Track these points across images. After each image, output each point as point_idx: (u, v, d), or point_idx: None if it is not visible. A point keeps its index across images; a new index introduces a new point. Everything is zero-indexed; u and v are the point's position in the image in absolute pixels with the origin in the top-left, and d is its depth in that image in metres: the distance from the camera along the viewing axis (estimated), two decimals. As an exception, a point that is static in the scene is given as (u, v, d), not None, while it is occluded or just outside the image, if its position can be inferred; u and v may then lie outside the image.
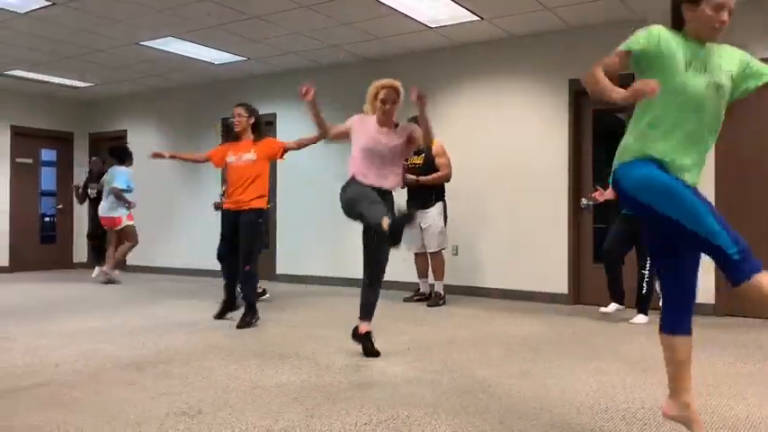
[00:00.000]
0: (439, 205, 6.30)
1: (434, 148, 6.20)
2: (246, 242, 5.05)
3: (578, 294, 6.55)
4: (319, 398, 3.05)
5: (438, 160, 6.27)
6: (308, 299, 6.83)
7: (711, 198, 5.82)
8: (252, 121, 5.27)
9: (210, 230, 9.20)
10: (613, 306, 5.49)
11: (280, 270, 8.48)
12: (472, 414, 2.81)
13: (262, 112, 8.78)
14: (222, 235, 5.27)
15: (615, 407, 2.93)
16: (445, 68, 7.38)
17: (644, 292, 5.29)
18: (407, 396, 3.10)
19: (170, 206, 9.67)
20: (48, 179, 10.70)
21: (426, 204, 6.21)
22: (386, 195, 3.96)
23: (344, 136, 4.16)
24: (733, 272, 2.11)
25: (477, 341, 4.53)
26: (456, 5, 5.92)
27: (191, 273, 9.16)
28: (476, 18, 6.26)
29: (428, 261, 6.44)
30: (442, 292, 6.36)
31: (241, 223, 5.06)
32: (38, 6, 6.04)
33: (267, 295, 6.57)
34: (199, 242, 9.22)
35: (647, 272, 5.25)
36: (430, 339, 4.56)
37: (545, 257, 6.64)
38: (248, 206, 5.06)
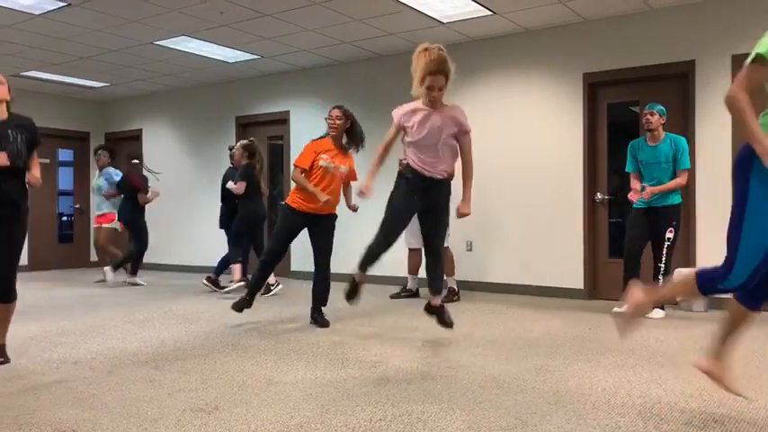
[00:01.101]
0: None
1: None
2: (329, 244, 5.06)
3: (594, 289, 6.51)
4: (334, 394, 3.07)
5: None
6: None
7: (728, 195, 5.78)
8: (348, 125, 5.06)
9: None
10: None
11: (294, 267, 8.51)
12: (487, 410, 2.81)
13: (275, 109, 8.93)
14: (285, 233, 5.01)
15: (631, 402, 2.92)
16: (458, 63, 7.29)
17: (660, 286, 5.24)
18: (422, 392, 3.10)
19: (187, 203, 9.73)
20: (65, 179, 10.81)
21: None
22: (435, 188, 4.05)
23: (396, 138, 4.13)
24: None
25: (491, 337, 4.52)
26: (469, 0, 5.89)
27: (208, 270, 9.21)
28: (488, 13, 6.23)
29: (422, 258, 6.33)
30: (456, 288, 6.35)
31: (324, 226, 5.02)
32: (53, 8, 6.10)
33: (280, 286, 6.86)
34: (216, 239, 9.28)
35: (663, 265, 5.23)
36: (444, 335, 4.56)
37: (560, 252, 6.61)
38: (329, 211, 5.03)
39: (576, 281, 6.53)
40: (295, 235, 5.02)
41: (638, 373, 3.45)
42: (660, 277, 5.25)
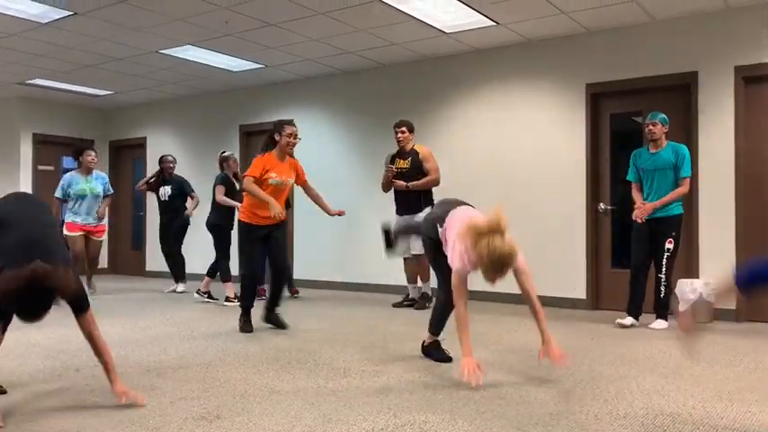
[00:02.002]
0: (428, 210, 6.09)
1: (422, 153, 6.30)
2: (285, 249, 5.39)
3: (597, 299, 6.50)
4: (336, 403, 3.06)
5: (426, 165, 6.29)
6: (325, 304, 6.84)
7: (731, 206, 5.77)
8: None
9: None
10: (630, 320, 5.38)
11: (297, 275, 8.51)
12: (489, 420, 2.80)
13: (279, 117, 8.90)
14: (254, 246, 5.19)
15: (634, 413, 2.91)
16: (462, 74, 7.38)
17: (662, 296, 5.24)
18: (424, 402, 3.09)
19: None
20: (68, 186, 10.81)
21: (417, 209, 6.18)
22: None
23: None
24: None
25: (494, 346, 4.51)
26: (472, 11, 5.92)
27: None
28: (492, 23, 6.26)
29: (418, 266, 6.43)
30: (430, 293, 6.36)
31: (279, 234, 5.25)
32: (59, 17, 6.14)
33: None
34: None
35: (663, 275, 5.22)
36: (447, 344, 4.55)
37: (563, 262, 6.60)
38: (281, 220, 5.16)
39: (579, 291, 6.53)
40: (260, 244, 5.16)
41: (641, 384, 3.44)
42: (662, 288, 5.24)
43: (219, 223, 6.81)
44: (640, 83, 6.25)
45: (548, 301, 6.56)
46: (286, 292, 6.53)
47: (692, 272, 5.90)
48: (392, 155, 6.49)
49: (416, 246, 6.12)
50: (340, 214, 5.38)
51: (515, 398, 3.16)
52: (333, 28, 6.46)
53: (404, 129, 6.35)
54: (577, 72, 6.59)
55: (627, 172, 5.57)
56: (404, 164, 6.32)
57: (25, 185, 9.98)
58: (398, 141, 6.38)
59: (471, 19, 6.16)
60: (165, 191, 7.94)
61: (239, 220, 5.16)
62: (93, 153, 7.44)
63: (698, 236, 5.92)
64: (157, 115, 10.30)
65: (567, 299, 6.54)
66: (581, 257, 6.53)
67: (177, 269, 7.99)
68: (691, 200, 6.01)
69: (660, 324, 5.23)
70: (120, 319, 5.75)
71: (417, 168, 6.28)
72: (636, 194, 5.44)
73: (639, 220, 5.30)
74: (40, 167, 10.21)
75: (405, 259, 6.51)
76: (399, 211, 6.38)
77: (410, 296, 6.62)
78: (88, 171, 7.39)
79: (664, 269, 5.21)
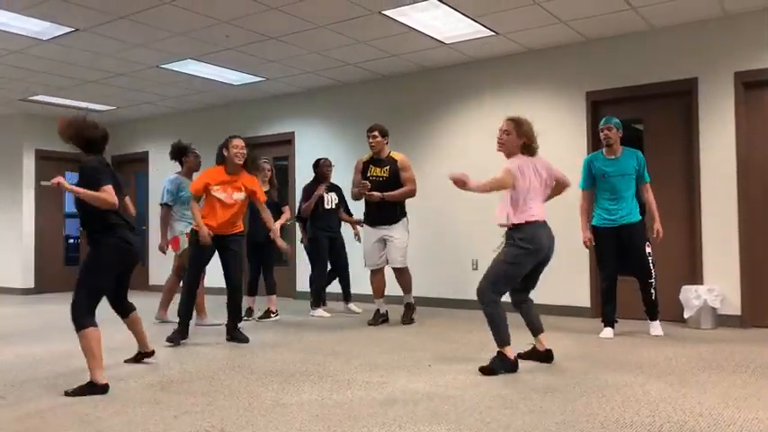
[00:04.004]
0: (404, 220, 6.04)
1: (401, 162, 5.97)
2: (239, 261, 5.35)
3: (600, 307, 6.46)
4: (341, 415, 3.05)
5: (405, 174, 5.95)
6: (328, 316, 6.81)
7: (733, 212, 5.76)
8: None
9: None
10: (611, 331, 5.27)
11: (300, 287, 8.50)
12: (495, 430, 2.79)
13: (280, 130, 8.99)
14: (201, 257, 5.19)
15: (640, 421, 2.89)
16: (462, 84, 7.41)
17: (654, 298, 5.23)
18: (429, 413, 3.08)
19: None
20: (71, 202, 10.84)
21: (392, 220, 5.94)
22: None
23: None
24: None
25: (498, 356, 4.49)
26: (471, 21, 5.95)
27: (214, 291, 9.22)
28: (491, 33, 6.29)
29: (385, 279, 6.11)
30: (413, 302, 6.19)
31: (232, 245, 5.27)
32: (61, 33, 6.18)
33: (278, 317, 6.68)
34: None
35: (653, 279, 5.19)
36: (452, 355, 4.54)
37: (566, 270, 6.58)
38: (235, 231, 5.30)
39: (583, 299, 6.51)
40: (210, 258, 5.18)
41: (647, 391, 3.43)
42: (653, 291, 5.20)
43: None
44: (640, 90, 6.26)
45: (551, 310, 6.57)
46: (338, 303, 6.55)
47: (696, 278, 5.89)
48: (365, 161, 6.09)
49: (397, 259, 5.95)
50: (281, 248, 5.37)
51: (521, 407, 3.14)
52: (333, 40, 6.49)
53: (376, 133, 5.97)
54: (578, 81, 6.61)
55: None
56: (381, 172, 5.95)
57: (27, 201, 10.02)
58: (371, 147, 6.01)
59: (471, 29, 6.19)
60: (331, 198, 6.92)
61: (193, 230, 5.13)
62: (197, 152, 6.47)
63: (701, 242, 5.91)
64: (159, 129, 10.33)
65: (570, 307, 6.52)
66: (584, 265, 6.51)
67: (347, 286, 7.14)
68: (693, 206, 6.01)
69: (658, 329, 5.25)
70: (123, 332, 5.74)
71: (396, 177, 5.93)
72: (582, 214, 5.42)
73: (587, 246, 5.41)
74: (43, 183, 10.23)
75: (373, 272, 6.08)
76: (370, 222, 6.02)
77: (381, 311, 6.14)
78: (190, 174, 6.37)
79: (653, 273, 5.17)
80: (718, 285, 5.70)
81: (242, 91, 8.62)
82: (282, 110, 8.92)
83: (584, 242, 5.39)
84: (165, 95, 8.91)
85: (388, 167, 5.96)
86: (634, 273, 5.25)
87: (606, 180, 5.26)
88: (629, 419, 2.92)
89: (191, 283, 5.12)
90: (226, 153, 5.17)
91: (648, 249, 5.18)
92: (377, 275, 6.08)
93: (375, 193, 5.88)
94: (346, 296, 7.10)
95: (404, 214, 6.05)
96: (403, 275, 6.07)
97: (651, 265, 5.17)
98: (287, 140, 8.86)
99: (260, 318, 6.59)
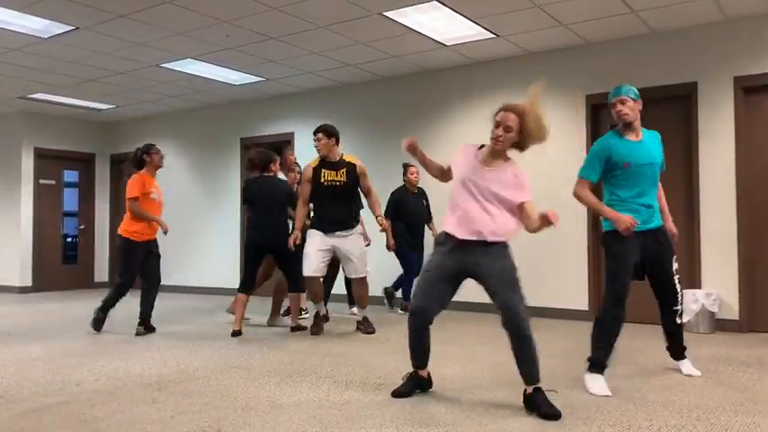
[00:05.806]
0: (359, 227, 5.67)
1: (360, 168, 5.46)
2: (159, 264, 5.95)
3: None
4: (338, 416, 3.05)
5: (366, 182, 5.49)
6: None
7: (732, 215, 5.77)
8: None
9: (233, 248, 9.29)
10: (603, 384, 3.56)
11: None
12: (492, 432, 2.79)
13: (280, 130, 8.99)
14: (139, 263, 5.69)
15: (638, 425, 2.89)
16: (463, 85, 7.41)
17: (680, 328, 3.94)
18: (427, 415, 3.08)
19: (194, 222, 9.75)
20: (70, 200, 10.85)
21: (348, 226, 5.45)
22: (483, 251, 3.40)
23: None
24: None
25: (497, 358, 4.49)
26: (472, 23, 5.96)
27: (215, 291, 9.22)
28: (492, 35, 6.29)
29: (322, 286, 5.74)
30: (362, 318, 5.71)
31: (156, 249, 5.82)
32: (61, 31, 6.18)
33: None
34: (221, 260, 9.29)
35: (680, 307, 3.83)
36: (450, 357, 4.54)
37: (565, 273, 6.59)
38: (154, 236, 5.85)
39: (582, 302, 6.51)
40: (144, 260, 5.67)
41: (645, 395, 3.42)
42: (678, 320, 3.85)
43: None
44: (640, 94, 6.23)
45: (550, 313, 6.58)
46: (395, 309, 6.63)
47: (694, 282, 5.89)
48: (314, 166, 5.44)
49: (361, 269, 5.47)
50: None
51: (519, 410, 3.14)
52: (333, 41, 6.50)
53: (320, 135, 5.41)
54: (578, 83, 6.61)
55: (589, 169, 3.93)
56: (337, 176, 5.37)
57: (26, 199, 10.00)
58: (318, 150, 5.42)
59: (471, 31, 6.19)
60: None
61: (125, 238, 5.56)
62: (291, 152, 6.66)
63: (699, 245, 5.91)
64: (159, 128, 10.33)
65: (569, 310, 6.52)
66: (582, 268, 6.52)
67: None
68: (692, 210, 6.01)
69: (690, 367, 3.96)
70: (121, 331, 5.74)
71: (355, 183, 5.44)
72: (592, 199, 3.89)
73: (631, 230, 3.57)
74: (42, 181, 10.24)
75: (311, 278, 5.40)
76: (323, 228, 5.39)
77: (321, 313, 5.76)
78: (286, 174, 6.45)
79: (679, 296, 3.80)
80: (716, 290, 5.70)
81: (242, 91, 8.62)
82: (282, 110, 8.92)
83: (631, 224, 3.57)
84: (166, 94, 8.90)
85: (344, 170, 5.41)
86: (656, 294, 3.84)
87: (631, 171, 3.72)
88: (626, 423, 2.92)
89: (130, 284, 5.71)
90: (148, 159, 5.69)
91: (676, 265, 3.79)
92: (316, 281, 5.48)
93: (385, 223, 5.66)
94: (352, 300, 6.94)
95: (357, 221, 5.64)
96: (362, 287, 5.57)
97: (678, 282, 3.78)
98: (287, 141, 8.86)
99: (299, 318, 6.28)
